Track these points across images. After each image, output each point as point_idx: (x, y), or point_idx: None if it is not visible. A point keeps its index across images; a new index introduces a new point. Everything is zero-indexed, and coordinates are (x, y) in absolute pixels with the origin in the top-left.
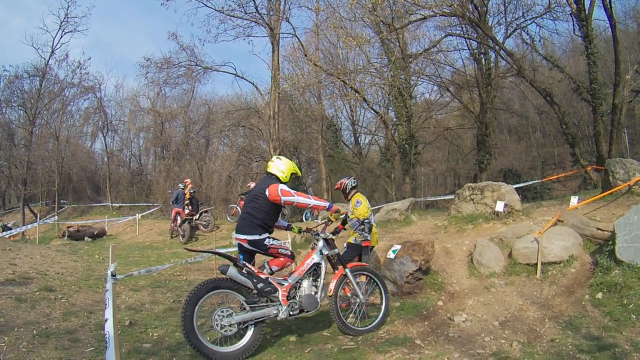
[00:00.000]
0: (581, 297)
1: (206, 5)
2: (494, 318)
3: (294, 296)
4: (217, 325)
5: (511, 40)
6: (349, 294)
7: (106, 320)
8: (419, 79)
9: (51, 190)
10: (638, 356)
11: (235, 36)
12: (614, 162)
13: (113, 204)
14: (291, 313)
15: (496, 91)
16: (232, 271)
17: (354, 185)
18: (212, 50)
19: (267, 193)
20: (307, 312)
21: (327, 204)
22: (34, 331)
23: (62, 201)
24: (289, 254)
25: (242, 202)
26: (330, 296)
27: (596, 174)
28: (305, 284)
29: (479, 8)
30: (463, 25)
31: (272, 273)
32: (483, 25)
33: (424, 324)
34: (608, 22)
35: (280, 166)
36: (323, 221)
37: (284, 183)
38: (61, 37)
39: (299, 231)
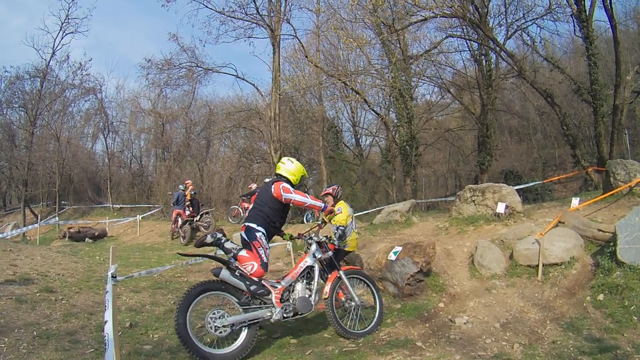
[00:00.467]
0: (582, 298)
1: (207, 7)
2: (495, 320)
3: (288, 299)
4: (210, 326)
5: (512, 41)
6: (342, 298)
7: (106, 322)
8: (420, 80)
9: (52, 192)
10: (639, 358)
11: (236, 37)
12: (614, 163)
13: (114, 205)
14: (285, 315)
15: (497, 92)
16: (225, 273)
17: (341, 194)
18: (213, 52)
19: (272, 190)
20: (301, 314)
21: (322, 205)
22: (34, 332)
23: (62, 202)
24: (264, 261)
25: (244, 204)
26: (325, 299)
27: (597, 175)
28: (299, 286)
29: (480, 9)
30: (464, 27)
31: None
32: (484, 26)
33: (425, 325)
34: (609, 23)
35: (291, 169)
36: (316, 224)
37: (291, 184)
38: (62, 38)
39: (290, 238)
